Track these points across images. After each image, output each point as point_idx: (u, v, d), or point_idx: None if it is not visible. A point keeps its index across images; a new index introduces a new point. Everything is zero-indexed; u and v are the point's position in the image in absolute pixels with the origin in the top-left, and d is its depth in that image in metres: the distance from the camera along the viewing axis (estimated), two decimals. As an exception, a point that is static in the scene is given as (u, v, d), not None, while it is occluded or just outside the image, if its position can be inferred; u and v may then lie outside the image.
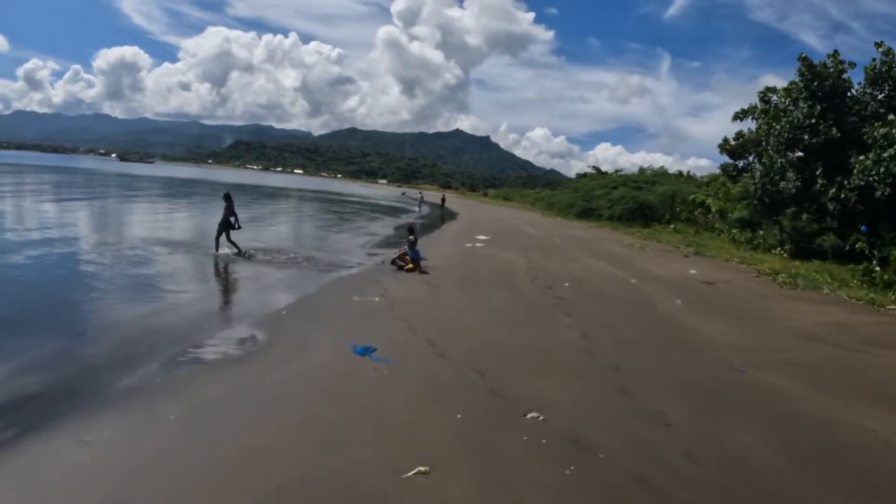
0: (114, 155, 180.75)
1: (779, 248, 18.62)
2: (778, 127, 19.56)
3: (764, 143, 21.14)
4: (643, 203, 31.33)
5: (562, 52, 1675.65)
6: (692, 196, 30.06)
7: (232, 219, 11.87)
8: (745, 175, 26.23)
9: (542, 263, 14.24)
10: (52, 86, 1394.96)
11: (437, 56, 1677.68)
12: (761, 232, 21.62)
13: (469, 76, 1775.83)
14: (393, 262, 11.70)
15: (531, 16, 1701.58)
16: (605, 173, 48.83)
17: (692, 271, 14.46)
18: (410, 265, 11.37)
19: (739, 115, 25.00)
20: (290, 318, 7.26)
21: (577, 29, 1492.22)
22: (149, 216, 21.44)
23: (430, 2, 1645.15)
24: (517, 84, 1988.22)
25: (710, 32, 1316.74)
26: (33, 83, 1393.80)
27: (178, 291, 8.66)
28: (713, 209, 28.23)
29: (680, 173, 43.83)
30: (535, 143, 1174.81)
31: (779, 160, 19.75)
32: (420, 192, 50.16)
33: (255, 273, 10.56)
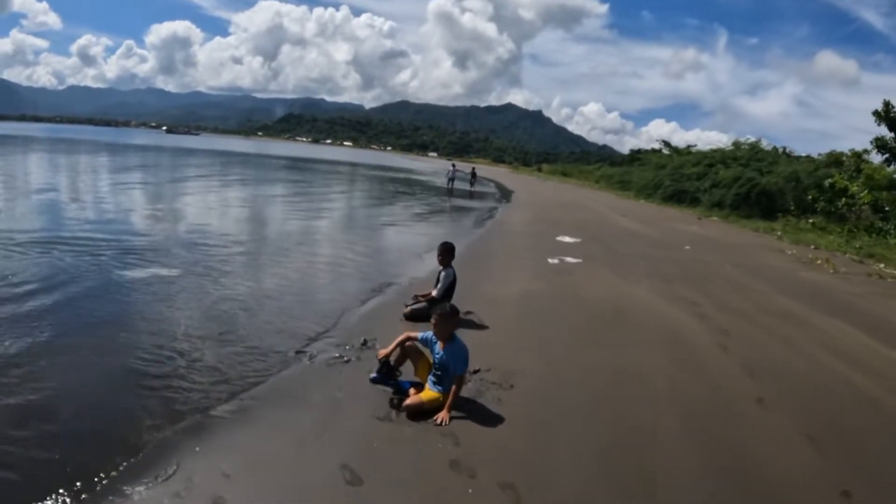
0: (163, 128, 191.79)
1: None
2: None
3: None
4: (763, 188, 23.99)
5: (615, 26, 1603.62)
6: (829, 181, 22.57)
7: None
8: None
9: (749, 341, 6.16)
10: (105, 61, 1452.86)
11: (489, 29, 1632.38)
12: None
13: (522, 50, 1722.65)
14: (381, 376, 3.99)
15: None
16: (678, 149, 41.22)
17: None
18: (413, 392, 3.88)
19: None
20: None
21: (632, 2, 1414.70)
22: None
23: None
24: (570, 59, 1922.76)
25: (768, 9, 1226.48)
26: (87, 59, 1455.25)
27: None
28: (864, 199, 20.90)
29: (775, 149, 35.32)
30: (588, 118, 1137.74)
31: None
32: (453, 165, 37.06)
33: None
